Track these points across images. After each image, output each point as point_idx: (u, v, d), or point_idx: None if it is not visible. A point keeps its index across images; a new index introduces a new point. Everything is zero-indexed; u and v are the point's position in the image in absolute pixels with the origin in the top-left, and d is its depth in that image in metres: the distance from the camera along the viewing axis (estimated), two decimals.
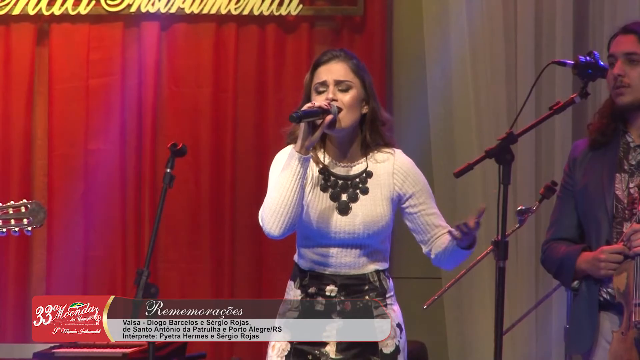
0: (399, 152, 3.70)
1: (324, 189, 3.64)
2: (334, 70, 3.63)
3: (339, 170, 3.66)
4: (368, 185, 3.63)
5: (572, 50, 6.00)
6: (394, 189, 3.64)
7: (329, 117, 3.52)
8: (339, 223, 3.60)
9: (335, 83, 3.61)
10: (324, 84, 3.62)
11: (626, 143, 3.72)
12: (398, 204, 3.66)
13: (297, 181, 3.51)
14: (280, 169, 3.56)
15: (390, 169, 3.65)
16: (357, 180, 3.64)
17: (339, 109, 3.57)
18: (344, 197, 3.63)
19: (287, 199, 3.51)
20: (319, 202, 3.62)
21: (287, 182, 3.52)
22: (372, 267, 3.62)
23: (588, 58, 3.65)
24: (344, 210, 3.61)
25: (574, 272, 3.70)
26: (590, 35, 6.14)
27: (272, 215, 3.53)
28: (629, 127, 3.73)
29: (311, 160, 3.58)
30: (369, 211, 3.60)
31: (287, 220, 3.53)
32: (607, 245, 3.63)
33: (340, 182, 3.64)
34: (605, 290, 3.66)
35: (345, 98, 3.60)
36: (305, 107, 3.53)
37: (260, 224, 3.59)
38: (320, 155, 3.67)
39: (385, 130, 3.67)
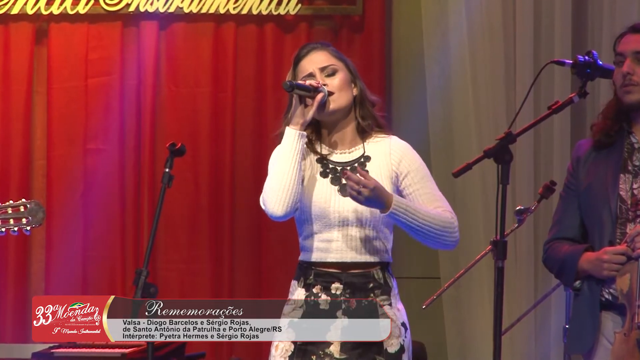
0: (394, 137, 3.71)
1: (324, 175, 3.64)
2: (316, 60, 3.66)
3: (337, 157, 3.66)
4: (367, 168, 3.63)
5: (571, 50, 6.00)
6: (391, 168, 3.63)
7: (320, 95, 3.56)
8: (341, 202, 3.58)
9: (320, 70, 3.64)
10: (310, 75, 3.64)
11: (630, 144, 3.71)
12: (397, 184, 3.65)
13: (295, 156, 3.54)
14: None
15: (387, 149, 3.65)
16: (357, 164, 3.64)
17: (330, 93, 3.60)
18: (345, 180, 3.61)
19: (287, 176, 3.52)
20: (319, 186, 3.62)
21: (285, 158, 3.54)
22: (376, 258, 3.60)
23: (587, 57, 3.64)
24: (345, 191, 3.57)
25: (576, 272, 3.69)
26: (589, 34, 6.14)
27: (273, 195, 3.54)
28: (634, 128, 3.72)
29: (308, 150, 3.62)
30: None
31: (288, 198, 3.53)
32: (611, 246, 3.63)
33: (339, 168, 3.64)
34: (607, 290, 3.64)
35: (334, 81, 3.63)
36: (298, 81, 3.59)
37: (262, 207, 3.59)
38: (317, 147, 3.68)
39: (377, 111, 3.70)
